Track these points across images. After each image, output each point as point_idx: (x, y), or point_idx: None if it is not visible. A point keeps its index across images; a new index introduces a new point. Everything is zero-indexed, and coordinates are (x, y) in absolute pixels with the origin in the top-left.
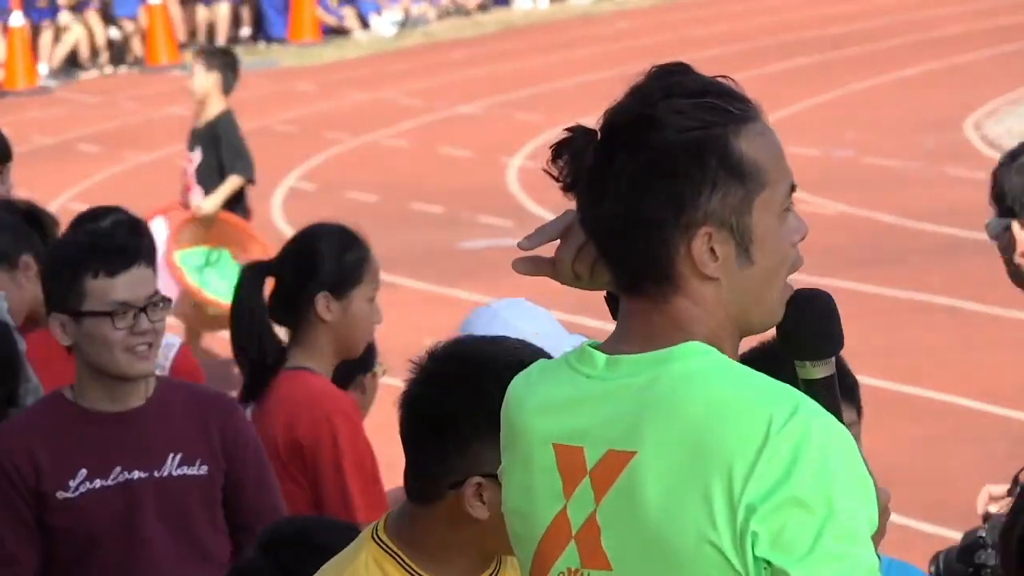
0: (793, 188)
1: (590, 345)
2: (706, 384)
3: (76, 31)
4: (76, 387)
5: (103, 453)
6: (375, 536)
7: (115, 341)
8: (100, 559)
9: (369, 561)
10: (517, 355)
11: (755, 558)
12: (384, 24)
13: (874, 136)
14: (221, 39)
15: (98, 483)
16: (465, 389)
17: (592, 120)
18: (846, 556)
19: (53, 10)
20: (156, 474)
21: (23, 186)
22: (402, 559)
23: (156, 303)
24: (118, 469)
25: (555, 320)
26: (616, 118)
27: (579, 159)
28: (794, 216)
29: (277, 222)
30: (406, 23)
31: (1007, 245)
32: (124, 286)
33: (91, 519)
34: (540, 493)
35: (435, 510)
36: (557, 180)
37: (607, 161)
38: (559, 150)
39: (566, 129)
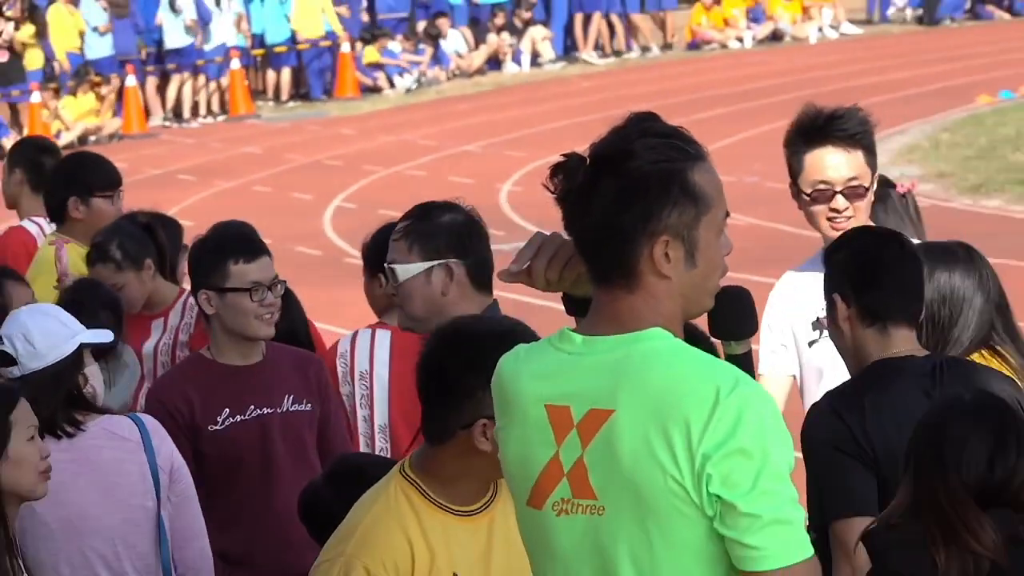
0: (727, 214)
1: (570, 330)
2: (668, 361)
3: (175, 89)
4: (212, 348)
5: (239, 395)
6: (402, 470)
7: (250, 311)
8: (242, 477)
9: (397, 490)
10: (504, 325)
11: (708, 494)
12: (406, 84)
13: (775, 167)
14: (284, 96)
15: (238, 418)
16: (467, 350)
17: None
18: (776, 492)
19: (160, 73)
20: (278, 410)
21: (144, 206)
22: (422, 487)
23: (276, 283)
24: (252, 407)
25: None
26: (602, 150)
27: (570, 178)
28: (725, 236)
29: (328, 232)
30: (422, 83)
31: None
32: (257, 270)
33: (235, 446)
34: (536, 442)
35: (448, 448)
36: (552, 192)
37: (593, 183)
38: (556, 171)
39: (562, 155)
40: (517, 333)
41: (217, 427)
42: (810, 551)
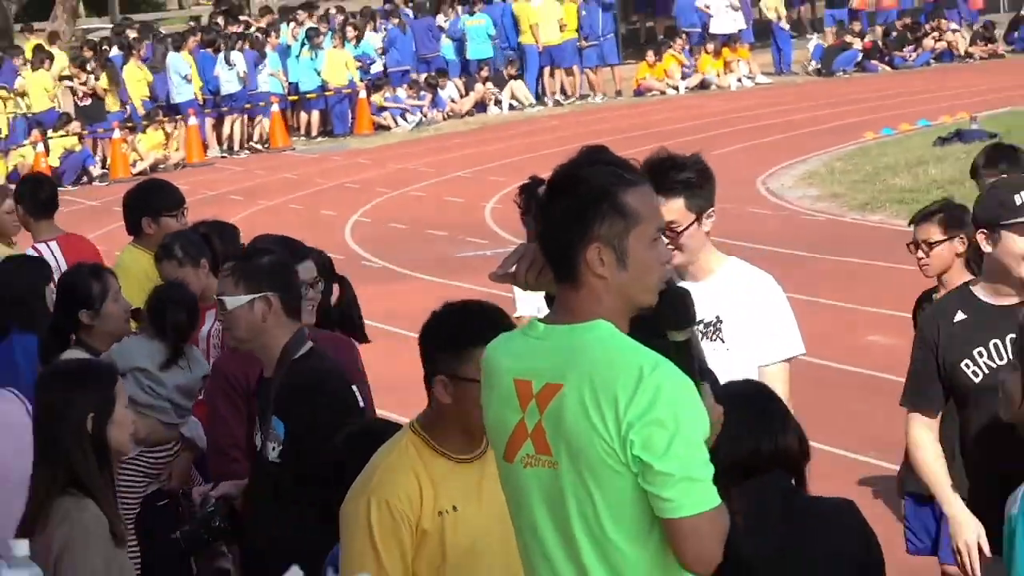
0: (661, 228)
1: (537, 320)
2: (604, 346)
3: (227, 126)
4: None
5: None
6: (412, 425)
7: None
8: None
9: (407, 442)
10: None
11: (632, 455)
12: (411, 123)
13: None
14: (314, 132)
15: None
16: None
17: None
18: (687, 455)
19: (216, 114)
20: None
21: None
22: (427, 439)
23: (316, 282)
24: None
25: None
26: (557, 175)
27: (532, 196)
28: (662, 245)
29: (348, 241)
30: (423, 123)
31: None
32: (303, 271)
33: None
34: (507, 408)
35: (432, 404)
36: (519, 207)
37: (549, 200)
38: (522, 191)
39: (529, 178)
40: None
41: None
42: (716, 501)
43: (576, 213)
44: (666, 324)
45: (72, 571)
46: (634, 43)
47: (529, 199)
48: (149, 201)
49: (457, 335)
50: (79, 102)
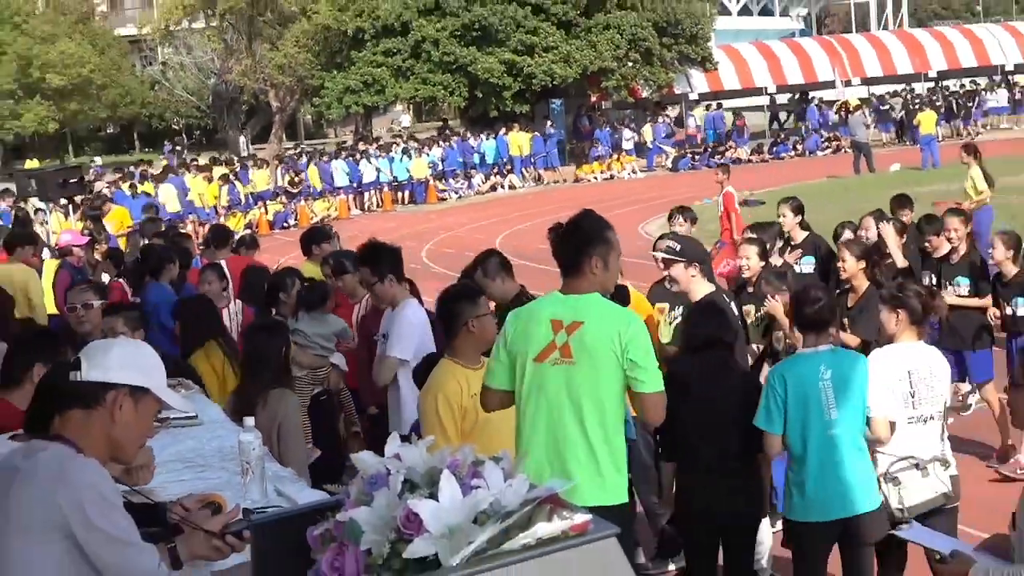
0: (620, 253)
1: (558, 291)
2: (603, 305)
3: (365, 199)
4: None
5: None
6: (444, 355)
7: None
8: None
9: (446, 362)
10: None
11: (627, 359)
12: (455, 197)
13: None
14: (405, 202)
15: None
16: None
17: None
18: (650, 363)
19: (356, 191)
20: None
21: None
22: (455, 359)
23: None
24: None
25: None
26: (570, 222)
27: (556, 232)
28: (619, 263)
29: (424, 259)
30: (462, 197)
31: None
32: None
33: None
34: (541, 332)
35: (459, 339)
36: (551, 238)
37: (566, 235)
38: (551, 230)
39: (554, 223)
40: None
41: None
42: (662, 387)
43: (582, 242)
44: (620, 302)
45: (285, 427)
46: (573, 155)
47: (556, 234)
48: (309, 238)
49: (470, 293)
50: (288, 188)
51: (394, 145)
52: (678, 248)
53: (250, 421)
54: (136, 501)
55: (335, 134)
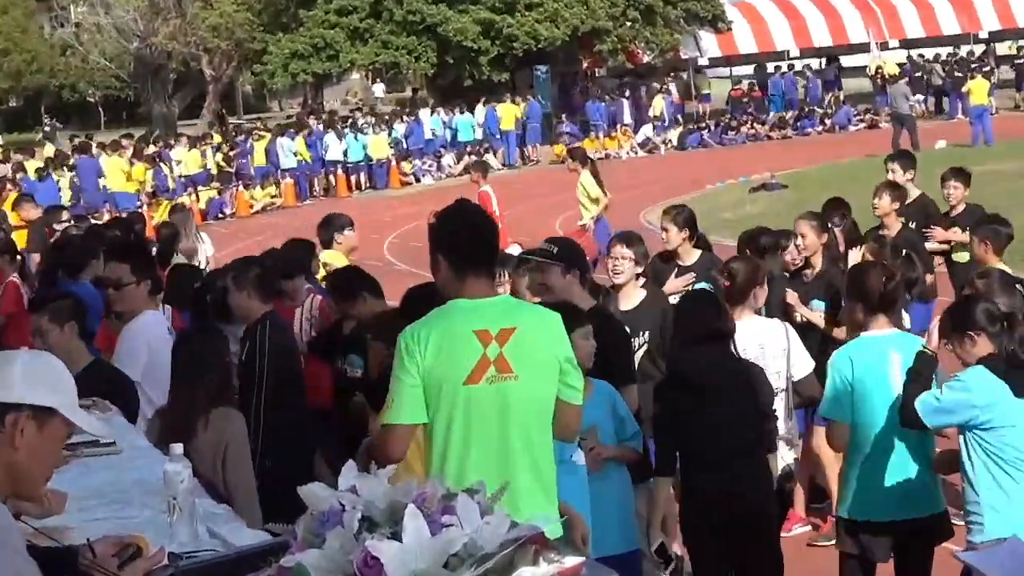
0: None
1: (466, 300)
2: (525, 305)
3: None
4: None
5: None
6: None
7: None
8: None
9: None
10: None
11: (564, 363)
12: (425, 182)
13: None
14: (364, 187)
15: None
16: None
17: None
18: (578, 371)
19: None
20: None
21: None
22: None
23: None
24: None
25: None
26: (470, 214)
27: (460, 225)
28: None
29: (386, 254)
30: (431, 181)
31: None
32: None
33: None
34: (467, 351)
35: None
36: (454, 234)
37: (477, 230)
38: (442, 220)
39: (442, 212)
40: None
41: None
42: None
43: (495, 234)
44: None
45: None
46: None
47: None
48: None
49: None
50: (223, 167)
51: (350, 119)
52: (555, 251)
53: (178, 449)
54: (41, 545)
55: (280, 107)
